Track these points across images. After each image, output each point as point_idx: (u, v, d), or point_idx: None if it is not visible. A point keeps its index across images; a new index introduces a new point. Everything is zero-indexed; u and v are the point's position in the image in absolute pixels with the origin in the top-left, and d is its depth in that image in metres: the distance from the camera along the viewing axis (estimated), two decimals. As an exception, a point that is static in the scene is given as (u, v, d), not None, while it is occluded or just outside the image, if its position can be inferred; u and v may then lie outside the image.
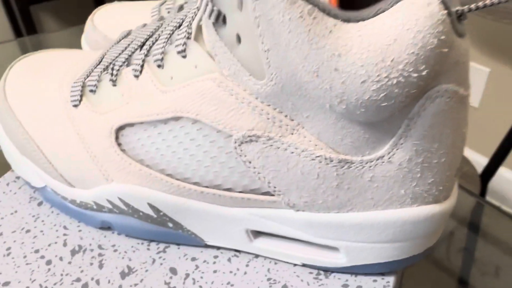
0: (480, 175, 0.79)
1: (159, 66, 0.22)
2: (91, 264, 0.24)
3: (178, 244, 0.26)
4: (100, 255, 0.25)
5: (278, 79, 0.18)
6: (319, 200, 0.21)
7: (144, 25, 0.27)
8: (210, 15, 0.18)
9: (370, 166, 0.19)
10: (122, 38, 0.27)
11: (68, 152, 0.25)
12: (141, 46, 0.23)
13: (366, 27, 0.16)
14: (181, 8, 0.26)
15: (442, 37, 0.16)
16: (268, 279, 0.24)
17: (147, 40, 0.23)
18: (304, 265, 0.24)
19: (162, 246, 0.26)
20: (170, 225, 0.25)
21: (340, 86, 0.17)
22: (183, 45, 0.21)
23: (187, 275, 0.24)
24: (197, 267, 0.24)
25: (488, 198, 1.01)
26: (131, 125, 0.23)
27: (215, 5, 0.18)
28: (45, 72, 0.29)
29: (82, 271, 0.24)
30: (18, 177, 0.30)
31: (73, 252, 0.25)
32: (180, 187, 0.23)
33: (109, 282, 0.23)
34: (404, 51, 0.16)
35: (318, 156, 0.19)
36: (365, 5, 0.18)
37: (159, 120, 0.22)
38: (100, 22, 0.38)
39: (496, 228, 0.33)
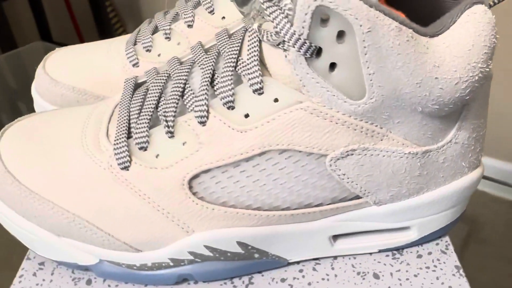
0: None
1: (230, 107, 0.22)
2: (195, 320, 0.24)
3: (259, 272, 0.26)
4: (196, 308, 0.24)
5: (379, 96, 0.20)
6: (403, 191, 0.24)
7: (173, 65, 0.26)
8: (306, 52, 0.20)
9: (443, 150, 0.23)
10: (142, 83, 0.26)
11: (132, 217, 0.24)
12: (199, 91, 0.23)
13: (449, 38, 0.20)
14: (199, 47, 0.26)
15: (497, 36, 0.20)
16: (358, 273, 0.26)
17: (202, 83, 0.23)
18: (379, 251, 0.27)
19: (246, 279, 0.26)
20: (256, 255, 0.25)
21: (438, 91, 0.20)
22: (260, 83, 0.22)
23: (290, 296, 0.25)
24: (291, 286, 0.26)
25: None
26: (206, 171, 0.23)
27: (312, 42, 0.19)
28: (52, 139, 0.26)
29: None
30: (42, 263, 0.27)
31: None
32: (269, 217, 0.24)
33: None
34: (480, 53, 0.20)
35: (406, 153, 0.22)
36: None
37: (242, 159, 0.22)
38: (52, 68, 0.35)
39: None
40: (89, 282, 0.26)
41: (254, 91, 0.22)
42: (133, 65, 0.32)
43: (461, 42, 0.20)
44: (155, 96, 0.25)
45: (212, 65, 0.23)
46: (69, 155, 0.25)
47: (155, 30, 0.33)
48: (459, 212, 0.27)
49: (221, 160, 0.23)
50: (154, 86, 0.25)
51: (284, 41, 0.20)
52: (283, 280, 0.26)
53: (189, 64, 0.25)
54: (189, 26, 0.31)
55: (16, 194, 0.25)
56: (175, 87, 0.24)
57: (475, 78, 0.20)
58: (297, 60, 0.20)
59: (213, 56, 0.24)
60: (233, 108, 0.22)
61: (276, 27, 0.20)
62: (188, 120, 0.23)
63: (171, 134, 0.23)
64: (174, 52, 0.32)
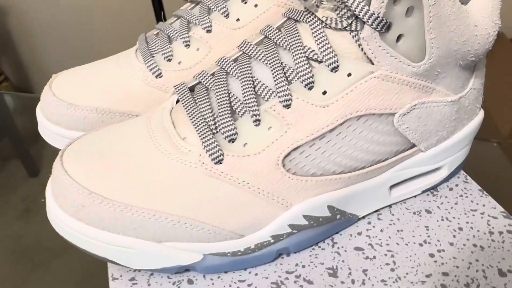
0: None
1: (310, 88, 0.26)
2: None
3: (337, 232, 0.30)
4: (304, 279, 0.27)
5: (436, 56, 0.25)
6: (444, 134, 0.29)
7: (224, 63, 0.28)
8: (382, 28, 0.24)
9: (468, 96, 0.29)
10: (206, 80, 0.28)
11: (235, 205, 0.26)
12: (276, 81, 0.26)
13: (476, 4, 0.25)
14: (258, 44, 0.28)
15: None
16: (414, 213, 0.31)
17: (277, 73, 0.26)
18: (422, 192, 0.32)
19: (329, 240, 0.29)
20: (338, 216, 0.29)
21: (476, 46, 0.26)
22: (336, 62, 0.25)
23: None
24: (368, 237, 0.30)
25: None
26: (295, 148, 0.26)
27: (387, 18, 0.24)
28: (125, 153, 0.27)
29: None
30: (132, 278, 0.27)
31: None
32: (350, 178, 0.28)
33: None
34: (496, 12, 0.26)
35: (448, 102, 0.28)
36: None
37: (327, 131, 0.26)
38: (65, 93, 0.34)
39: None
40: (190, 281, 0.27)
41: (332, 69, 0.25)
42: (156, 76, 0.33)
43: (485, 6, 0.25)
44: (225, 93, 0.27)
45: (276, 58, 0.26)
46: (152, 163, 0.26)
47: (170, 40, 0.34)
48: (469, 148, 0.33)
49: (310, 135, 0.26)
50: (217, 84, 0.27)
51: (354, 22, 0.24)
52: (359, 233, 0.30)
53: (246, 61, 0.27)
54: (208, 31, 0.33)
55: (109, 211, 0.25)
56: (244, 81, 0.26)
57: (496, 32, 0.26)
58: (372, 36, 0.24)
59: (272, 50, 0.27)
60: (312, 87, 0.26)
61: (355, 10, 0.24)
62: (272, 107, 0.26)
63: (258, 122, 0.26)
64: (194, 58, 0.34)
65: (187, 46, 0.34)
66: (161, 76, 0.34)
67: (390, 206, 0.32)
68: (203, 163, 0.26)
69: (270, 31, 0.28)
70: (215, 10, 0.34)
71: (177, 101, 0.29)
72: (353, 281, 0.27)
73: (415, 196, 0.32)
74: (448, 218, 0.30)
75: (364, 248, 0.29)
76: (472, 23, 0.25)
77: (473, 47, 0.26)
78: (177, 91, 0.29)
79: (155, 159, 0.26)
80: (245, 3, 0.33)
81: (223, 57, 0.29)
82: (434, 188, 0.33)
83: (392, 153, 0.28)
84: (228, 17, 0.33)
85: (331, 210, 0.28)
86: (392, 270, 0.27)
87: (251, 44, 0.28)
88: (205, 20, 0.33)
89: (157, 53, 0.34)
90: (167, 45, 0.34)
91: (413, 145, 0.29)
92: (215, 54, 0.34)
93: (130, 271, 0.28)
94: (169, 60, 0.34)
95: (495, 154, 0.51)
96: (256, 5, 0.33)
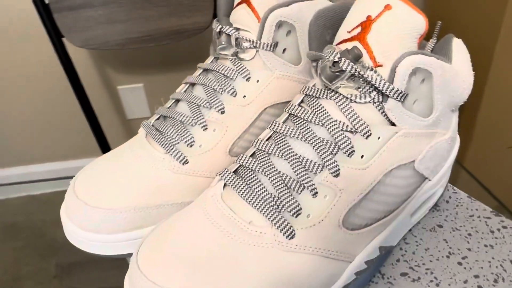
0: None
1: (351, 156, 0.30)
2: None
3: (382, 265, 0.35)
4: (375, 310, 0.32)
5: (440, 109, 0.31)
6: (443, 163, 0.36)
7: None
8: (403, 99, 0.29)
9: (453, 129, 0.36)
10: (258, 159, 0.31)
11: (312, 272, 0.29)
12: (321, 155, 0.30)
13: (458, 63, 0.32)
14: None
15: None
16: (429, 230, 0.37)
17: (320, 148, 0.30)
18: (429, 211, 0.38)
19: (378, 274, 0.34)
20: (383, 252, 0.34)
21: (465, 94, 0.32)
22: (369, 131, 0.30)
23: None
24: (406, 261, 0.35)
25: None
26: (352, 209, 0.30)
27: (406, 91, 0.29)
28: (193, 250, 0.29)
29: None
30: None
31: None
32: (391, 219, 0.33)
33: None
34: (470, 66, 0.33)
35: (446, 139, 0.34)
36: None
37: (371, 189, 0.31)
38: (87, 196, 0.35)
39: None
40: None
41: (366, 137, 0.30)
42: (183, 163, 0.35)
43: (463, 62, 0.32)
44: (275, 172, 0.30)
45: (313, 133, 0.30)
46: (232, 254, 0.28)
47: (184, 125, 0.36)
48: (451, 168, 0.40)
49: (360, 195, 0.30)
50: (264, 165, 0.30)
51: (376, 96, 0.29)
52: (398, 260, 0.35)
53: (282, 140, 0.31)
54: (222, 112, 0.36)
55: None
56: (291, 160, 0.30)
57: (473, 80, 0.33)
58: (396, 106, 0.30)
59: (304, 126, 0.31)
60: (353, 155, 0.30)
61: (382, 88, 0.29)
62: (325, 178, 0.30)
63: (316, 195, 0.30)
64: (214, 139, 0.36)
65: (205, 129, 0.36)
66: (187, 162, 0.36)
67: (410, 229, 0.37)
68: (278, 241, 0.29)
69: (295, 109, 0.32)
70: (223, 92, 0.36)
71: (224, 186, 0.32)
72: (414, 305, 0.32)
73: (425, 216, 0.38)
74: (457, 228, 0.37)
75: (408, 272, 0.34)
76: (461, 79, 0.32)
77: (463, 96, 0.32)
78: (223, 177, 0.31)
79: (232, 249, 0.29)
80: (248, 80, 0.37)
81: (258, 139, 0.32)
82: (436, 204, 0.39)
83: (414, 190, 0.34)
84: (236, 96, 0.37)
85: (380, 249, 0.33)
86: (437, 285, 0.33)
87: (280, 123, 0.32)
88: (217, 102, 0.36)
89: (177, 141, 0.36)
90: (185, 131, 0.36)
91: (425, 178, 0.35)
92: (232, 132, 0.36)
93: None
94: (191, 146, 0.36)
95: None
96: (258, 81, 0.37)
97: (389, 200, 0.32)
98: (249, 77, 0.37)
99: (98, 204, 0.34)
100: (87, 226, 0.34)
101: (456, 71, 0.31)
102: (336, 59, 0.29)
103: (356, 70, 0.29)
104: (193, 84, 0.39)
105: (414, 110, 0.31)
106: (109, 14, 0.90)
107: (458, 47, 0.33)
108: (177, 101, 0.39)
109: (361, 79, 0.29)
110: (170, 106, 0.39)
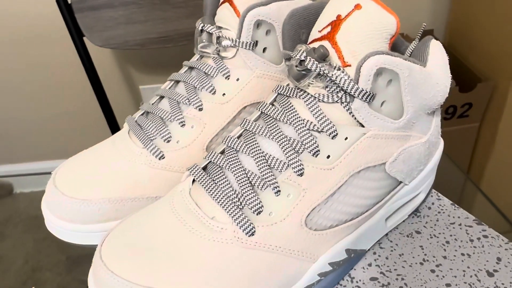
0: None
1: (316, 155, 0.30)
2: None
3: (352, 268, 0.34)
4: (338, 312, 0.31)
5: (411, 111, 0.31)
6: (421, 167, 0.35)
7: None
8: (369, 99, 0.29)
9: (433, 133, 0.35)
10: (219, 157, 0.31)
11: (272, 270, 0.29)
12: (286, 154, 0.30)
13: (433, 64, 0.31)
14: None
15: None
16: (407, 236, 0.36)
17: (285, 146, 0.30)
18: (408, 216, 0.38)
19: (347, 277, 0.34)
20: (352, 255, 0.33)
21: (439, 98, 0.31)
22: (335, 130, 0.30)
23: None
24: (378, 266, 0.34)
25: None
26: (313, 208, 0.30)
27: (373, 91, 0.29)
28: (158, 240, 0.29)
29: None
30: None
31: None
32: (359, 222, 0.32)
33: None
34: (447, 68, 0.32)
35: (422, 142, 0.33)
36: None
37: (337, 188, 0.30)
38: (65, 186, 0.35)
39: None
40: None
41: (332, 137, 0.30)
42: (159, 158, 0.36)
43: (441, 64, 0.32)
44: (241, 170, 0.30)
45: (280, 132, 0.30)
46: (192, 249, 0.29)
47: (164, 121, 0.37)
48: (435, 173, 0.39)
49: (324, 195, 0.30)
50: (231, 162, 0.31)
51: (344, 96, 0.29)
52: (370, 264, 0.34)
53: (251, 138, 0.31)
54: (200, 109, 0.37)
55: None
56: (257, 157, 0.30)
57: (450, 83, 0.32)
58: (362, 106, 0.29)
59: (273, 125, 0.31)
60: (318, 154, 0.30)
61: (346, 88, 0.28)
62: (288, 177, 0.30)
63: (279, 193, 0.30)
64: (191, 136, 0.37)
65: (183, 125, 0.37)
66: (164, 158, 0.36)
67: (386, 234, 0.37)
68: (238, 238, 0.29)
69: (266, 107, 0.32)
70: (202, 89, 0.37)
71: (193, 181, 0.32)
72: (379, 310, 0.31)
73: (403, 221, 0.38)
74: (435, 235, 0.36)
75: (378, 277, 0.33)
76: (434, 82, 0.31)
77: (437, 99, 0.32)
78: (192, 173, 0.32)
79: (192, 243, 0.29)
80: (228, 78, 0.37)
81: (228, 136, 0.32)
82: (416, 210, 0.38)
83: (386, 193, 0.33)
84: (215, 93, 0.37)
85: (347, 252, 0.32)
86: (406, 291, 0.32)
87: (251, 121, 0.32)
88: (195, 99, 0.37)
89: (155, 136, 0.36)
90: (163, 127, 0.36)
91: (400, 182, 0.34)
92: (209, 129, 0.37)
93: None
94: (168, 141, 0.36)
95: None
96: (238, 79, 0.37)
97: (357, 202, 0.31)
98: (229, 75, 0.37)
99: (74, 194, 0.35)
100: (62, 216, 0.35)
101: (429, 73, 0.31)
102: (303, 58, 0.29)
103: (321, 69, 0.29)
104: (177, 81, 0.39)
105: (383, 112, 0.30)
106: (129, 14, 0.92)
107: (435, 48, 0.32)
108: (161, 97, 0.39)
109: (327, 79, 0.29)
110: (154, 102, 0.39)
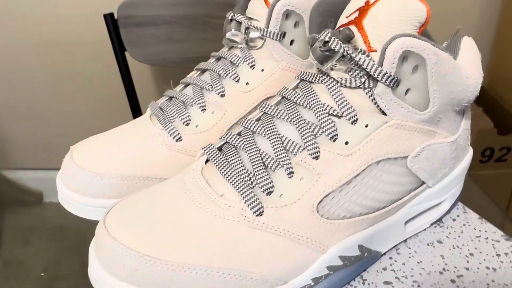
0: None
1: (334, 140, 0.29)
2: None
3: (365, 270, 0.32)
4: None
5: (437, 104, 0.29)
6: (446, 170, 0.33)
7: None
8: (393, 84, 0.28)
9: (461, 135, 0.33)
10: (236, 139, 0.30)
11: (279, 254, 0.28)
12: (303, 137, 0.29)
13: (464, 59, 0.30)
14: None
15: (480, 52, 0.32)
16: (427, 244, 0.34)
17: (303, 129, 0.29)
18: (430, 225, 0.35)
19: (358, 278, 0.32)
20: (366, 254, 0.31)
21: (468, 93, 0.30)
22: (356, 116, 0.29)
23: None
24: (393, 271, 0.32)
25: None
26: (327, 195, 0.29)
27: (397, 76, 0.28)
28: (166, 215, 0.29)
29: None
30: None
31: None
32: (375, 217, 0.30)
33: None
34: (480, 65, 0.31)
35: (448, 142, 0.32)
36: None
37: (353, 177, 0.29)
38: (81, 159, 0.35)
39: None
40: (239, 332, 0.28)
41: (352, 122, 0.29)
42: (176, 140, 0.36)
43: (471, 60, 0.30)
44: (255, 150, 0.29)
45: (299, 116, 0.29)
46: (197, 222, 0.28)
47: (185, 105, 0.37)
48: (463, 181, 0.37)
49: (339, 181, 0.29)
50: (246, 143, 0.30)
51: (367, 81, 0.28)
52: (384, 268, 0.32)
53: (269, 120, 0.31)
54: (222, 95, 0.36)
55: (162, 271, 0.26)
56: (273, 139, 0.29)
57: (481, 80, 0.31)
58: (385, 92, 0.28)
59: (293, 109, 0.30)
60: (336, 139, 0.29)
61: (370, 71, 0.28)
62: (303, 159, 0.29)
63: (291, 174, 0.28)
64: (211, 121, 0.36)
65: (203, 110, 0.36)
66: (181, 140, 0.36)
67: (405, 240, 0.35)
68: (245, 216, 0.28)
69: (287, 92, 0.31)
70: (226, 76, 0.37)
71: (206, 161, 0.32)
72: (390, 313, 0.29)
73: (425, 229, 0.35)
74: (458, 246, 0.34)
75: (392, 281, 0.31)
76: (464, 75, 0.30)
77: (466, 95, 0.30)
78: (206, 152, 0.31)
79: (198, 218, 0.28)
80: (253, 68, 0.37)
81: (247, 118, 0.32)
82: (439, 220, 0.36)
83: (406, 192, 0.32)
84: (238, 81, 0.37)
85: (360, 249, 0.30)
86: (422, 299, 0.30)
87: (271, 105, 0.31)
88: (218, 86, 0.37)
89: (174, 118, 0.36)
90: (184, 110, 0.36)
91: (423, 183, 0.32)
92: (229, 116, 0.36)
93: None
94: (187, 124, 0.36)
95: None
96: (263, 70, 0.37)
97: (374, 195, 0.30)
98: (254, 65, 0.37)
99: (88, 167, 0.35)
100: (74, 188, 0.35)
101: (459, 66, 0.29)
102: (327, 39, 0.29)
103: (345, 50, 0.28)
104: (204, 70, 0.40)
105: (407, 101, 0.29)
106: (170, 33, 0.95)
107: (466, 43, 0.31)
108: (187, 85, 0.39)
109: (351, 62, 0.29)
110: (179, 89, 0.40)
